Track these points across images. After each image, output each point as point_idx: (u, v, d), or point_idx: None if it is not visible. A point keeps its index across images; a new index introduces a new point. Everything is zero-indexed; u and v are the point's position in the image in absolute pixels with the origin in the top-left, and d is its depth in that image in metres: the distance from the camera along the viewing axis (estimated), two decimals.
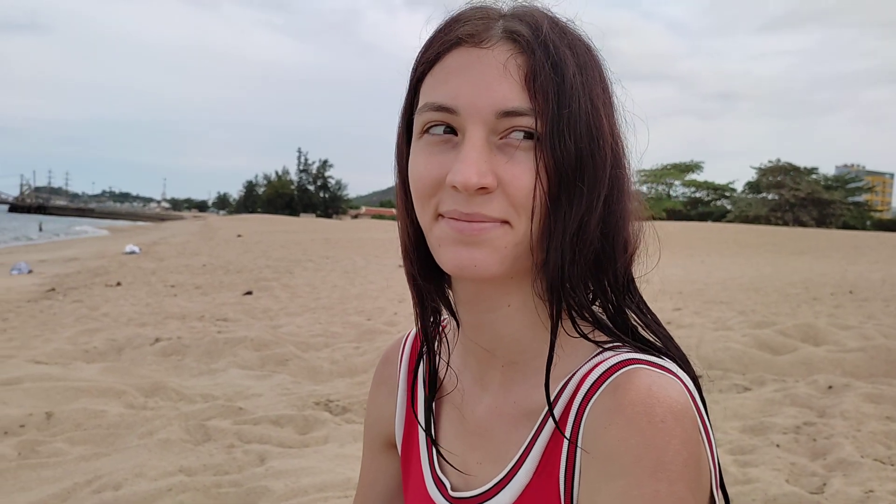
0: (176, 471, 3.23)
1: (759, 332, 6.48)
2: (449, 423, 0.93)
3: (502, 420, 0.86)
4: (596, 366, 0.78)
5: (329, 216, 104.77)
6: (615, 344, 0.81)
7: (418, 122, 0.80)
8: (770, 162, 61.66)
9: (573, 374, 0.80)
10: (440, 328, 0.96)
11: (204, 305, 9.40)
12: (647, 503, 0.67)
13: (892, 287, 11.80)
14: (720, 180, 77.58)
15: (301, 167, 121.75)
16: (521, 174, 0.75)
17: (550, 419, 0.79)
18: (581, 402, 0.76)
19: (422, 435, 0.96)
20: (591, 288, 0.83)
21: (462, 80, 0.76)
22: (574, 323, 0.80)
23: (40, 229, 50.81)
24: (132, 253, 20.96)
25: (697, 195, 70.12)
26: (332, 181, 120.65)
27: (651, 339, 0.83)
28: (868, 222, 62.15)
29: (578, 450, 0.75)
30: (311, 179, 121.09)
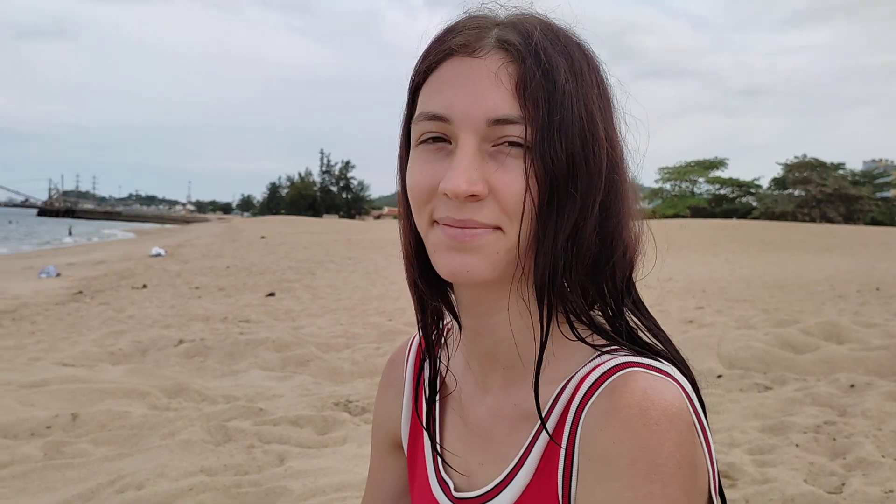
0: (197, 471, 3.29)
1: (781, 331, 6.42)
2: (452, 425, 0.95)
3: (503, 422, 0.87)
4: (593, 369, 0.79)
5: (352, 217, 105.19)
6: (613, 347, 0.81)
7: (415, 131, 0.82)
8: (796, 157, 60.77)
9: (571, 378, 0.81)
10: (442, 332, 0.99)
11: (227, 307, 9.51)
12: None
13: None
14: (745, 177, 76.49)
15: (324, 168, 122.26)
16: (512, 181, 0.76)
17: (547, 420, 0.80)
18: (578, 406, 0.77)
19: (426, 436, 0.98)
20: (590, 292, 0.83)
21: (455, 90, 0.78)
22: (571, 327, 0.81)
23: (70, 233, 51.45)
24: (158, 255, 21.21)
25: (722, 192, 69.30)
26: (355, 182, 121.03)
27: (651, 342, 0.84)
28: None
29: (575, 452, 0.76)
30: (333, 180, 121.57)
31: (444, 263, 0.79)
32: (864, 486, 3.09)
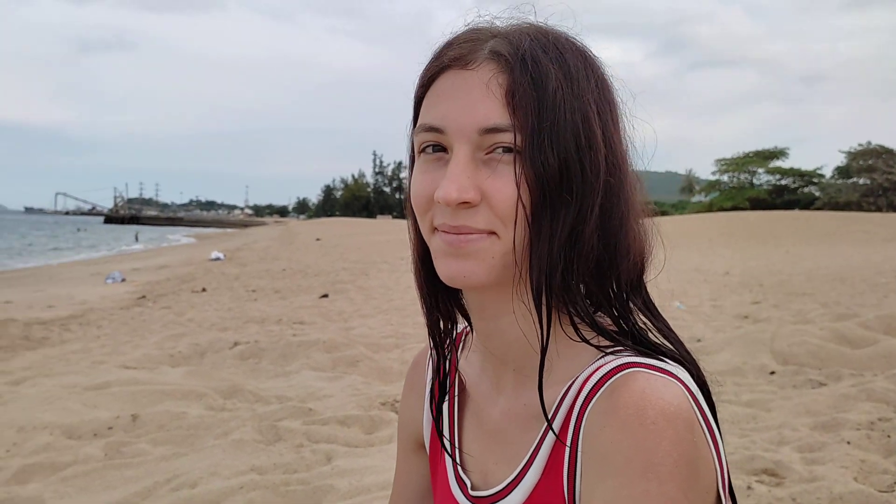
0: (248, 469, 3.40)
1: (838, 325, 6.24)
2: (470, 426, 0.98)
3: (515, 422, 0.90)
4: (596, 370, 0.81)
5: (405, 217, 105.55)
6: (617, 348, 0.83)
7: (416, 142, 0.86)
8: (860, 145, 58.64)
9: (575, 379, 0.83)
10: (460, 335, 1.03)
11: (282, 309, 9.71)
12: (636, 502, 0.69)
13: None
14: (807, 166, 74.03)
15: (377, 170, 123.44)
16: (503, 187, 0.79)
17: (553, 420, 0.83)
18: (581, 406, 0.80)
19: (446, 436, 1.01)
20: (595, 294, 0.85)
21: (449, 102, 0.82)
22: (576, 328, 0.83)
23: (136, 239, 53.09)
24: (217, 259, 21.78)
25: (783, 182, 67.36)
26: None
27: (659, 342, 0.85)
28: None
29: (578, 451, 0.79)
30: (386, 181, 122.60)
31: (443, 269, 0.83)
32: None
